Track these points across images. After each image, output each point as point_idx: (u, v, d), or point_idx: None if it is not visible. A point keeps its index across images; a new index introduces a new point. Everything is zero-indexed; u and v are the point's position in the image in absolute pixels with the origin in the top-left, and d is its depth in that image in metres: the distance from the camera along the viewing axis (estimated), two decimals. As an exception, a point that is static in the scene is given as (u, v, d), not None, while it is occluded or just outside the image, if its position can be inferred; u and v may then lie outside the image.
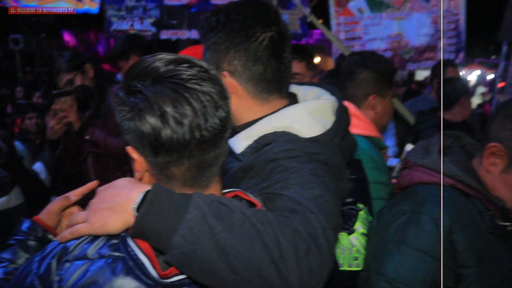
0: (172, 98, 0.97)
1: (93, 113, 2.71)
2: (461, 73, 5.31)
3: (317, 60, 11.60)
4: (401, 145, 3.53)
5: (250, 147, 1.28)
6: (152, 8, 6.29)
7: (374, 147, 1.96)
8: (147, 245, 0.99)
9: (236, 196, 1.11)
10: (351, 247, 1.48)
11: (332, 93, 1.42)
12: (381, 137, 2.05)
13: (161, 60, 1.02)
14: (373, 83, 2.08)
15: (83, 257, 1.01)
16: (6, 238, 1.25)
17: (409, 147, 2.66)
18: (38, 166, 3.47)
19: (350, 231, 1.51)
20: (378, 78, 2.08)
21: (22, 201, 2.64)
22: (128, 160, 1.08)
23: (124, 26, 6.19)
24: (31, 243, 1.21)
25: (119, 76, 3.19)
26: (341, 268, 1.46)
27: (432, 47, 6.36)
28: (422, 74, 13.06)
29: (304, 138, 1.25)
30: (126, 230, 1.02)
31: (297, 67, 2.56)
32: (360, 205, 1.57)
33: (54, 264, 1.01)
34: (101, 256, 1.01)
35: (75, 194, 1.27)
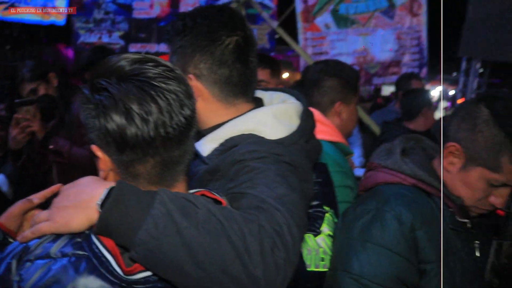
0: (138, 95, 0.97)
1: (57, 123, 2.66)
2: (425, 87, 5.47)
3: (285, 75, 11.75)
4: (367, 156, 3.59)
5: (216, 150, 1.29)
6: (120, 21, 6.26)
7: (339, 152, 2.00)
8: (112, 242, 0.97)
9: (202, 195, 1.11)
10: (317, 248, 1.50)
11: (297, 98, 1.44)
12: (346, 142, 2.09)
13: (126, 59, 1.03)
14: (338, 90, 2.12)
15: (45, 256, 0.99)
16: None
17: None
18: (0, 179, 3.37)
19: (317, 233, 1.53)
20: (343, 85, 2.13)
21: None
22: (94, 169, 1.07)
23: (92, 38, 6.14)
24: None
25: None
26: (309, 269, 1.48)
27: (396, 62, 6.55)
28: (388, 90, 13.39)
29: (269, 140, 1.27)
30: (90, 228, 1.01)
31: (261, 74, 2.59)
32: (326, 208, 1.60)
33: (14, 264, 0.99)
34: (64, 255, 0.99)
35: (37, 197, 1.25)
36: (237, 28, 1.32)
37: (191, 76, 1.31)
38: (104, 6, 6.27)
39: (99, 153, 1.03)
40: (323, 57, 6.31)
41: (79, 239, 1.01)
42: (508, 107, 1.33)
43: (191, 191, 1.13)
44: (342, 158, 2.00)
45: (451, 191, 1.42)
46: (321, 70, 2.16)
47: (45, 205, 1.22)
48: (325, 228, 1.54)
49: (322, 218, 1.55)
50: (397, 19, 6.43)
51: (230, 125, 1.32)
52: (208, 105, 1.34)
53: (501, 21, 5.25)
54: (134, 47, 6.49)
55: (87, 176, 1.08)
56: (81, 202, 1.00)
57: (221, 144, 1.28)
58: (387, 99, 9.79)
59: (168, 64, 1.06)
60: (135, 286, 0.98)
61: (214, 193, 1.11)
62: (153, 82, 0.99)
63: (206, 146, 1.31)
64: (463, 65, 6.40)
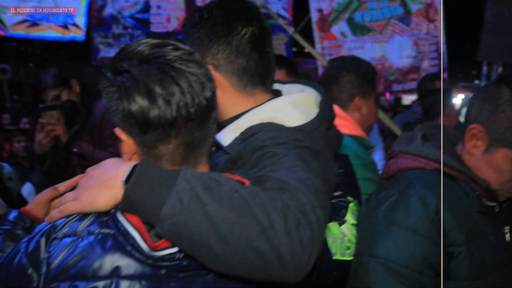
0: (159, 77, 0.99)
1: (80, 128, 2.71)
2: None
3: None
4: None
5: (237, 139, 1.30)
6: (139, 35, 6.36)
7: (360, 145, 1.99)
8: (137, 218, 0.99)
9: None
10: (342, 237, 1.49)
11: (316, 89, 1.45)
12: (366, 136, 2.09)
13: (146, 43, 1.05)
14: (356, 85, 2.13)
15: (72, 234, 1.01)
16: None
17: None
18: (28, 187, 3.46)
19: (341, 222, 1.52)
20: (361, 80, 2.13)
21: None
22: None
23: (112, 53, 6.23)
24: (19, 232, 1.20)
25: None
26: (334, 257, 1.46)
27: (415, 68, 6.50)
28: (408, 99, 13.28)
29: (289, 127, 1.27)
30: (116, 207, 1.02)
31: (277, 74, 2.57)
32: (350, 198, 1.59)
33: (43, 241, 1.01)
34: (91, 233, 1.01)
35: (63, 186, 1.28)
36: (253, 19, 1.34)
37: (209, 66, 1.33)
38: (122, 21, 6.40)
39: (122, 135, 1.05)
40: (341, 66, 6.29)
41: (105, 218, 1.02)
42: None
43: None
44: (363, 151, 2.00)
45: (476, 174, 1.39)
46: (339, 66, 2.18)
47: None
48: (350, 218, 1.52)
49: (346, 208, 1.53)
50: (413, 25, 6.40)
51: (249, 114, 1.33)
52: (226, 95, 1.35)
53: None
54: (153, 61, 6.56)
55: None
56: (106, 181, 1.02)
57: (242, 133, 1.30)
58: (408, 108, 9.71)
59: (187, 48, 1.08)
60: (160, 263, 0.99)
61: (237, 175, 1.11)
62: (173, 65, 1.01)
63: (227, 136, 1.32)
64: (484, 69, 6.32)
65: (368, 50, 6.46)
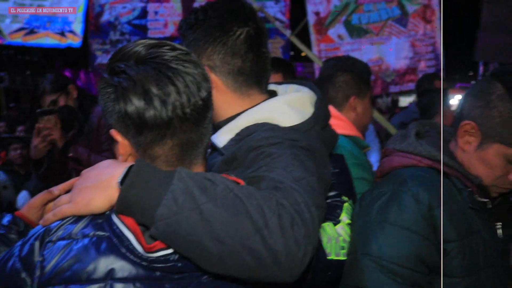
0: (156, 77, 0.99)
1: (77, 133, 2.72)
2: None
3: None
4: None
5: (232, 140, 1.30)
6: (136, 41, 6.38)
7: (355, 145, 1.99)
8: (132, 220, 0.99)
9: None
10: (337, 237, 1.49)
11: (311, 88, 1.45)
12: (362, 136, 2.09)
13: (142, 44, 1.06)
14: (352, 85, 2.13)
15: (66, 237, 1.01)
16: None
17: None
18: (24, 195, 3.45)
19: (336, 221, 1.52)
20: (357, 80, 2.14)
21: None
22: None
23: (109, 59, 6.26)
24: (13, 237, 1.20)
25: None
26: (329, 257, 1.46)
27: (412, 70, 6.52)
28: (405, 101, 13.28)
29: (284, 127, 1.28)
30: (111, 209, 1.02)
31: (274, 78, 2.59)
32: (345, 198, 1.59)
33: (37, 245, 1.01)
34: (85, 236, 1.01)
35: (58, 189, 1.27)
36: (248, 20, 1.35)
37: (205, 67, 1.34)
38: (119, 28, 6.42)
39: (118, 137, 1.05)
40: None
41: (100, 220, 1.02)
42: None
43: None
44: (358, 151, 2.00)
45: (468, 170, 1.40)
46: (334, 66, 2.18)
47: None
48: (344, 217, 1.52)
49: (341, 208, 1.54)
50: (410, 26, 6.42)
51: (245, 115, 1.33)
52: (222, 96, 1.35)
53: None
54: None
55: None
56: (101, 182, 1.02)
57: (237, 134, 1.30)
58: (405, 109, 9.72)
59: (184, 48, 1.08)
60: (155, 265, 0.98)
61: (232, 175, 1.11)
62: (170, 65, 1.01)
63: (222, 137, 1.33)
64: (481, 69, 6.33)
65: (365, 52, 6.48)
